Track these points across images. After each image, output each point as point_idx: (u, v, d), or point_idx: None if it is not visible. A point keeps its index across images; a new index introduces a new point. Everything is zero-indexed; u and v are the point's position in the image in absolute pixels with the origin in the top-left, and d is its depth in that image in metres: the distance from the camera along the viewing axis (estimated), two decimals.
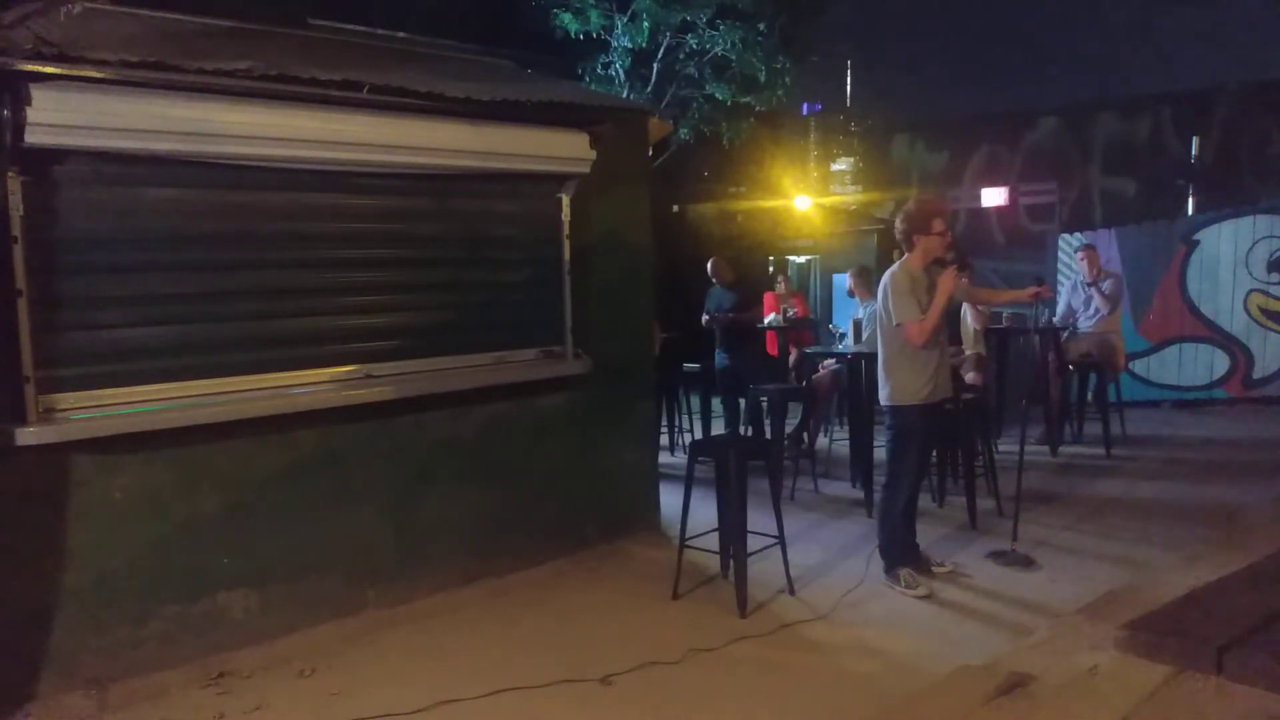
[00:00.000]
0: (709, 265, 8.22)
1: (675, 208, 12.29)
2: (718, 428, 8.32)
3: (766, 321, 8.94)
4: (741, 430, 7.73)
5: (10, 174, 3.37)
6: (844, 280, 8.59)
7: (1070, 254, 10.46)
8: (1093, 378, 8.24)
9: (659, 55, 8.99)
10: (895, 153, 16.26)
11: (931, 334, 4.58)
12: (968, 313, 7.14)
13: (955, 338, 6.97)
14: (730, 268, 8.22)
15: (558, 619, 4.47)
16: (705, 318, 8.10)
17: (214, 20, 4.74)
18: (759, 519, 4.70)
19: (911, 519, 4.93)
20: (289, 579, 4.17)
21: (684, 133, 9.38)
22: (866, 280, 7.65)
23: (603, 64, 8.99)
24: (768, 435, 7.07)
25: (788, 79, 9.37)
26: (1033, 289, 5.12)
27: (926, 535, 5.31)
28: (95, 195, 3.62)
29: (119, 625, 3.71)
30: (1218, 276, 9.88)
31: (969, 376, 7.05)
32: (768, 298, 9.29)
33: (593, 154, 4.94)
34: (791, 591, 4.68)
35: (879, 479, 4.90)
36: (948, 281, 4.59)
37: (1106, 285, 8.19)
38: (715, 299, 8.11)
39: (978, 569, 4.98)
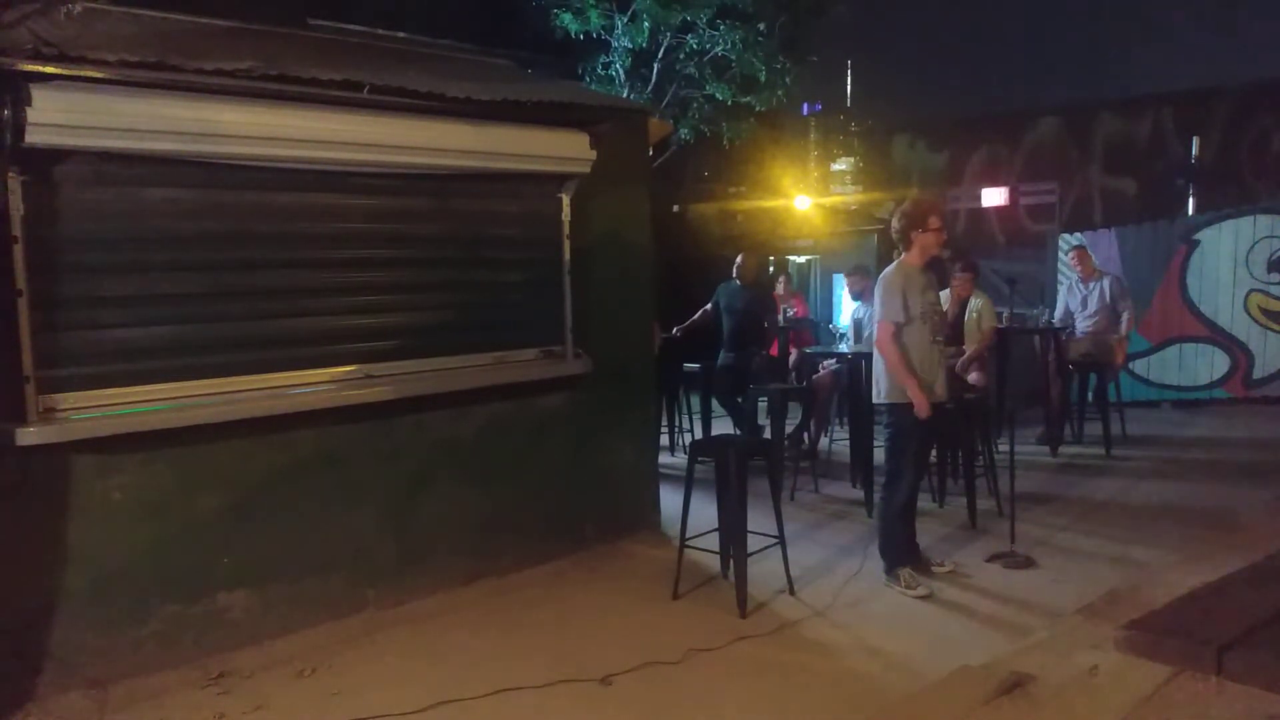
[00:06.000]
0: (739, 258, 8.07)
1: (675, 208, 12.28)
2: (718, 428, 8.29)
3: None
4: (760, 428, 7.61)
5: (10, 174, 3.37)
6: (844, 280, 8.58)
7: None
8: (1093, 378, 8.23)
9: (659, 55, 8.98)
10: (895, 153, 16.26)
11: (892, 340, 4.61)
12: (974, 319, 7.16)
13: (956, 338, 6.97)
14: (756, 269, 8.15)
15: (558, 619, 4.47)
16: (718, 312, 8.04)
17: (214, 20, 4.74)
18: (759, 519, 4.70)
19: (911, 519, 4.92)
20: (289, 579, 4.17)
21: (684, 133, 9.37)
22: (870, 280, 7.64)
23: (603, 64, 8.98)
24: (767, 435, 7.05)
25: (788, 79, 9.36)
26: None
27: (926, 535, 5.31)
28: (95, 195, 3.62)
29: (119, 625, 3.72)
30: (1218, 276, 9.87)
31: (972, 377, 7.05)
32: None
33: (593, 154, 4.93)
34: (791, 591, 4.68)
35: (879, 479, 4.91)
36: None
37: (1112, 287, 8.18)
38: (725, 293, 7.98)
39: (978, 569, 4.98)
